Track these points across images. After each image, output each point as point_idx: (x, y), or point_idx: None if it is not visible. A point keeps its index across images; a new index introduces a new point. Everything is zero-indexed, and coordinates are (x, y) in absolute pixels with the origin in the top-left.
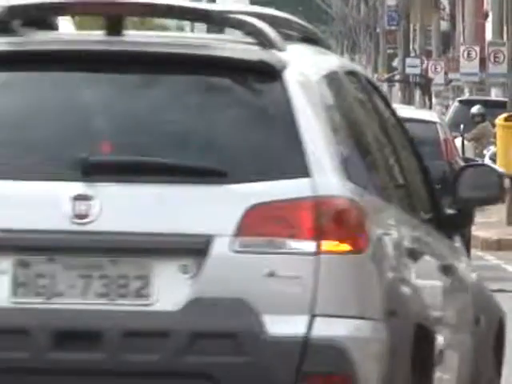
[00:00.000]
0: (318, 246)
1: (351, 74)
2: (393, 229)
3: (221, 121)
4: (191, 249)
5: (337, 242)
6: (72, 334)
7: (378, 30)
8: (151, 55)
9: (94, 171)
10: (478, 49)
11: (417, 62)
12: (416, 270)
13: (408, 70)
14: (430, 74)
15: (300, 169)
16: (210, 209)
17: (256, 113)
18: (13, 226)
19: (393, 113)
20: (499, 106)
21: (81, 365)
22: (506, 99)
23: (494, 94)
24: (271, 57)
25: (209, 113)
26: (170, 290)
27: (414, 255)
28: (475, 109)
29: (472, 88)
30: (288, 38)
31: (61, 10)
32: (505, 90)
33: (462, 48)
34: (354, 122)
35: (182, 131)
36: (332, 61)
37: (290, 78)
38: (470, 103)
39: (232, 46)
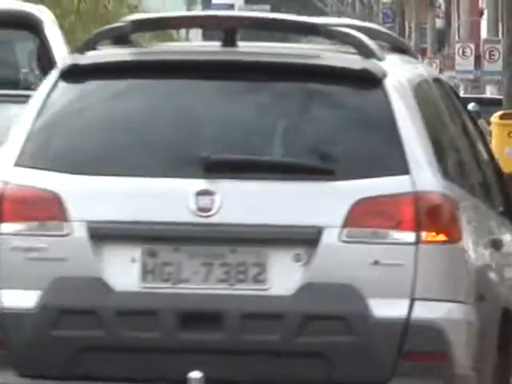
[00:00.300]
0: (418, 237)
1: (436, 80)
2: (479, 220)
3: (328, 124)
4: (304, 239)
5: (434, 233)
6: (196, 315)
7: None
8: (263, 64)
9: (215, 169)
10: (473, 46)
11: None
12: (499, 258)
13: None
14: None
15: (400, 167)
16: (320, 203)
17: (359, 116)
18: (143, 219)
19: (468, 113)
20: (494, 104)
21: (204, 344)
22: (501, 97)
23: (489, 92)
24: (373, 66)
25: (317, 117)
26: (283, 277)
27: (496, 244)
28: (470, 106)
29: (467, 85)
30: (382, 48)
31: (180, 23)
32: (500, 88)
33: (457, 45)
34: (442, 124)
35: (294, 134)
36: (421, 69)
37: (390, 85)
38: (465, 101)
39: (336, 55)
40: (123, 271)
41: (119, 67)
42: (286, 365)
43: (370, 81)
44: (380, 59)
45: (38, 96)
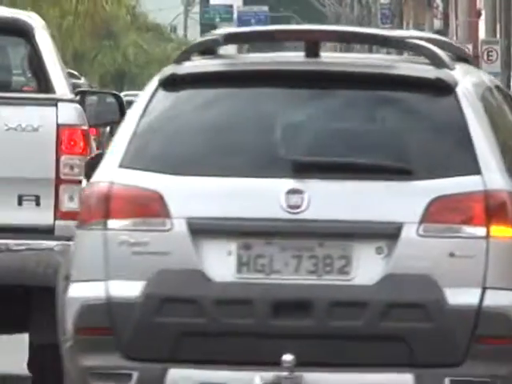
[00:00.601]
0: (488, 231)
1: (497, 87)
2: None
3: (405, 128)
4: (385, 234)
5: (502, 228)
6: (287, 304)
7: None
8: (346, 74)
9: (303, 170)
10: (471, 47)
11: None
12: None
13: None
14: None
15: (472, 168)
16: (400, 201)
17: (434, 122)
18: (238, 215)
19: None
20: None
21: (294, 330)
22: None
23: None
24: (446, 75)
25: (395, 122)
26: (367, 268)
27: None
28: None
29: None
30: (451, 58)
31: (271, 36)
32: None
33: None
34: (505, 127)
35: (375, 137)
36: (485, 77)
37: (461, 92)
38: None
39: (411, 66)
40: (220, 263)
41: (213, 76)
42: (369, 348)
43: (444, 89)
44: (451, 69)
45: (139, 103)
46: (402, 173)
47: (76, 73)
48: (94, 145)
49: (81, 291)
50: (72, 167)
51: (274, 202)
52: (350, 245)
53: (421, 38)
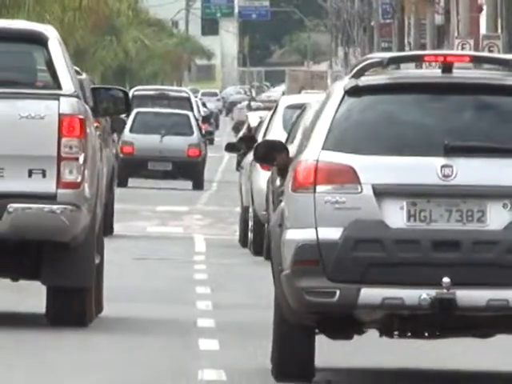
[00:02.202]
0: None
1: None
2: None
3: None
4: (509, 194)
5: None
6: (443, 242)
7: (372, 23)
8: (473, 84)
9: (452, 151)
10: (472, 42)
11: None
12: None
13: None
14: (424, 68)
15: None
16: None
17: None
18: (408, 182)
19: None
20: None
21: (449, 260)
22: None
23: None
24: None
25: (509, 117)
26: (496, 218)
27: None
28: None
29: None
30: None
31: (421, 58)
32: None
33: (456, 41)
34: None
35: (496, 128)
36: None
37: None
38: None
39: None
40: (395, 215)
41: (383, 86)
42: (499, 273)
43: None
44: None
45: (331, 105)
46: None
47: (77, 68)
48: (95, 132)
49: (297, 235)
50: (71, 147)
51: (432, 173)
52: (485, 202)
53: None
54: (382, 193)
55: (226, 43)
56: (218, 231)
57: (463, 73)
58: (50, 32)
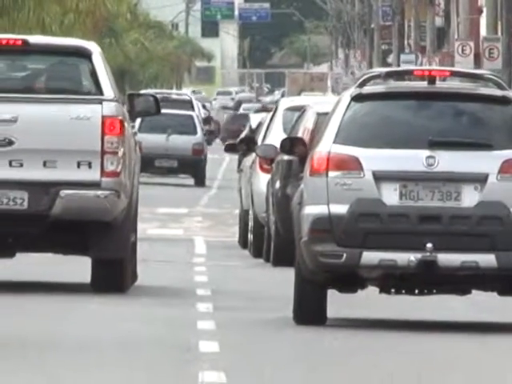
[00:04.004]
0: None
1: None
2: None
3: (487, 122)
4: (479, 179)
5: None
6: (427, 216)
7: (372, 25)
8: (452, 93)
9: (435, 145)
10: (472, 44)
11: (412, 57)
12: None
13: (403, 66)
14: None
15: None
16: (487, 161)
17: (503, 120)
18: (400, 169)
19: None
20: None
21: (432, 231)
22: None
23: None
24: (507, 94)
25: (481, 119)
26: (469, 198)
27: None
28: None
29: (465, 79)
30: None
31: (410, 73)
32: None
33: (456, 43)
34: None
35: (472, 126)
36: None
37: None
38: None
39: (488, 88)
40: (390, 195)
41: (382, 94)
42: (471, 241)
43: (506, 101)
44: (508, 90)
45: (340, 109)
46: (487, 146)
47: None
48: (131, 131)
49: (313, 210)
50: (112, 143)
51: (419, 162)
52: (460, 185)
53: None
54: (380, 177)
55: (226, 45)
56: (219, 233)
57: (444, 84)
58: (93, 47)
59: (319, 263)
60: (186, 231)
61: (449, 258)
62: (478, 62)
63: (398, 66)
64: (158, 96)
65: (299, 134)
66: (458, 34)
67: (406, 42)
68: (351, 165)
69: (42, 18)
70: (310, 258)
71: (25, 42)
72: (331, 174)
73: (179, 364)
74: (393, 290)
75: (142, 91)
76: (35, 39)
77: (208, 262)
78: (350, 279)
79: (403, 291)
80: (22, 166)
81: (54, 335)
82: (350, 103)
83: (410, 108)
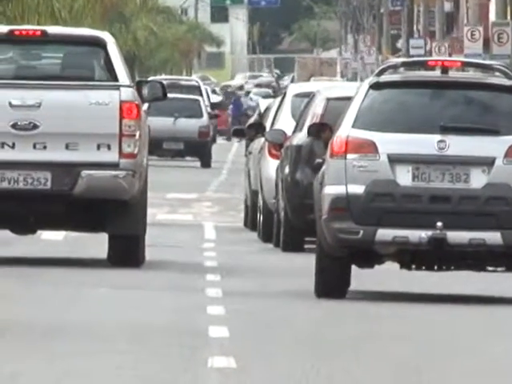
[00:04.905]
0: None
1: None
2: None
3: (495, 109)
4: (487, 162)
5: None
6: (438, 197)
7: (381, 10)
8: (463, 82)
9: (446, 130)
10: (481, 29)
11: (421, 42)
12: None
13: (412, 51)
14: (434, 55)
15: None
16: (494, 146)
17: (510, 107)
18: (413, 152)
19: None
20: None
21: (443, 210)
22: None
23: None
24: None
25: (490, 107)
26: (477, 180)
27: None
28: None
29: (476, 69)
30: None
31: (425, 63)
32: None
33: (465, 28)
34: None
35: (480, 114)
36: None
37: None
38: None
39: (497, 78)
40: (403, 176)
41: (398, 82)
42: (478, 220)
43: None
44: None
45: (359, 96)
46: (494, 132)
47: None
48: (146, 115)
49: (332, 190)
50: (129, 126)
51: (431, 146)
52: (469, 168)
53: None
54: (395, 160)
55: (236, 30)
56: (228, 218)
57: (456, 74)
58: (108, 37)
59: (338, 239)
60: (195, 216)
61: (458, 236)
62: (487, 47)
63: (408, 51)
64: (167, 82)
65: (308, 120)
66: (467, 19)
67: (415, 27)
68: (368, 148)
69: (51, 4)
70: (330, 234)
71: (44, 33)
72: (349, 156)
73: (189, 349)
74: (413, 266)
75: (151, 78)
76: (53, 30)
77: (217, 247)
78: (367, 255)
79: (423, 267)
80: (45, 148)
81: (61, 320)
82: (368, 91)
83: (424, 96)
